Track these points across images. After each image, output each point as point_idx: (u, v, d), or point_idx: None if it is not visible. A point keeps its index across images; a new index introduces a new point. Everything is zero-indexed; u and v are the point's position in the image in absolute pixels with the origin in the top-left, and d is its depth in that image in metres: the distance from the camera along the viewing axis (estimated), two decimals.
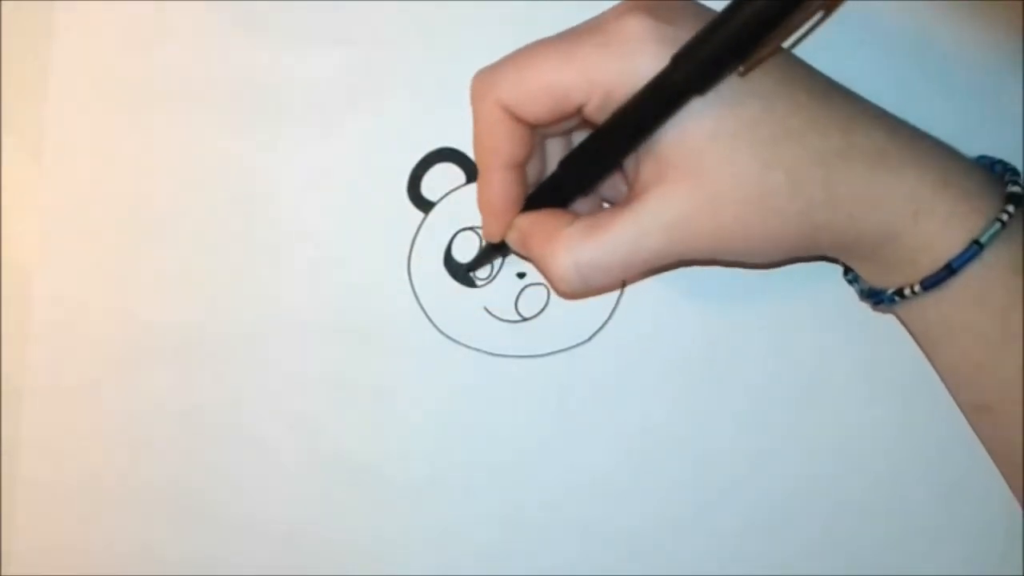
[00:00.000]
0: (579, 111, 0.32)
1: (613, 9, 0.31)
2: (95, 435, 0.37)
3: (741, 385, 0.37)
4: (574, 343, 0.37)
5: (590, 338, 0.37)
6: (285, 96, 0.37)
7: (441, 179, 0.37)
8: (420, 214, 0.37)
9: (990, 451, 0.35)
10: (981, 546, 0.36)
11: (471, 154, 0.37)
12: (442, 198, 0.37)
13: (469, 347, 0.37)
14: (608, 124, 0.31)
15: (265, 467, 0.37)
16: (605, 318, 0.37)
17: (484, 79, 0.32)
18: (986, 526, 0.36)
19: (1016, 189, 0.31)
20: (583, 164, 0.33)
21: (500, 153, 0.33)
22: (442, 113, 0.37)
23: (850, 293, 0.36)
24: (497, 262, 0.37)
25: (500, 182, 0.33)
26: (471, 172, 0.37)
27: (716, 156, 0.30)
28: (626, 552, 0.37)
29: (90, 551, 0.37)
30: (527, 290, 0.37)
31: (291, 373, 0.37)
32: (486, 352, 0.37)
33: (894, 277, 0.32)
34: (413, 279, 0.37)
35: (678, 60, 0.29)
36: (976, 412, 0.35)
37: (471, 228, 0.37)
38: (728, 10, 0.28)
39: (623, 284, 0.37)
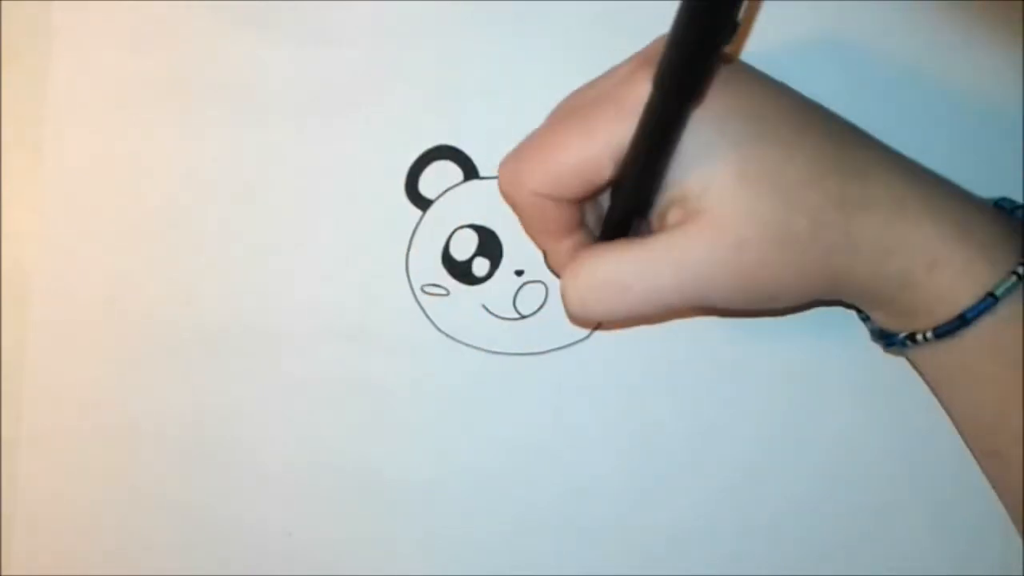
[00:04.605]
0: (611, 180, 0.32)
1: (618, 75, 0.32)
2: (95, 436, 0.37)
3: (741, 383, 0.37)
4: (573, 340, 0.37)
5: (589, 335, 0.37)
6: (284, 95, 0.37)
7: (439, 177, 0.37)
8: (418, 212, 0.37)
9: (999, 494, 0.35)
10: (981, 547, 0.36)
11: (468, 151, 0.37)
12: (440, 196, 0.37)
13: (467, 345, 0.37)
14: (625, 161, 0.31)
15: (264, 466, 0.37)
16: None
17: (512, 172, 0.32)
18: (986, 527, 0.36)
19: None
20: (620, 203, 0.33)
21: (553, 232, 0.33)
22: (440, 111, 0.37)
23: None
24: (497, 260, 0.37)
25: (566, 249, 0.34)
26: (468, 169, 0.37)
27: (741, 200, 0.30)
28: (626, 551, 0.37)
29: (90, 551, 0.37)
30: (525, 287, 0.37)
31: (290, 371, 0.37)
32: (484, 350, 0.37)
33: (909, 323, 0.32)
34: (411, 277, 0.37)
35: (658, 82, 0.28)
36: (986, 457, 0.35)
37: (469, 225, 0.37)
38: (679, 18, 0.27)
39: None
